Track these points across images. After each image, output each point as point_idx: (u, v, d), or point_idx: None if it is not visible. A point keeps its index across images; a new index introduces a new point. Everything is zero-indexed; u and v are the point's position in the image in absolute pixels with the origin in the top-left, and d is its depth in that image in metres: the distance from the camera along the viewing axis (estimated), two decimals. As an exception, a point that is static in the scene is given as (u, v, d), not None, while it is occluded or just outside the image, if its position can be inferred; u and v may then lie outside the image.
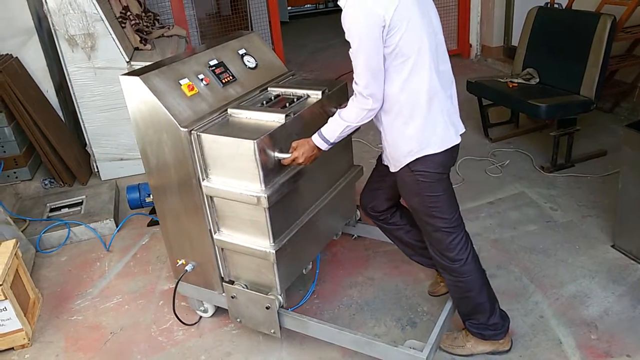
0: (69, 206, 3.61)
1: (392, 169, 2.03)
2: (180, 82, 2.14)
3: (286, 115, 2.06)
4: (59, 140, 3.89)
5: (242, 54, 2.45)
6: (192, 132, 2.02)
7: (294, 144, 2.04)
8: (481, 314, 2.14)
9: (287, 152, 2.05)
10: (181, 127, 2.01)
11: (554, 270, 2.68)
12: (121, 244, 3.27)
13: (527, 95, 3.56)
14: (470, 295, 2.11)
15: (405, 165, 1.95)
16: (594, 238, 2.88)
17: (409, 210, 2.16)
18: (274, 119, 2.07)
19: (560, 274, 2.65)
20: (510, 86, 3.76)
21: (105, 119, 3.86)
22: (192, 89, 2.15)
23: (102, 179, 4.02)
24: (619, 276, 2.59)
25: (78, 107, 3.82)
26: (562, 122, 3.54)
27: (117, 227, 3.38)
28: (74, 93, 3.77)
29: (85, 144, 4.02)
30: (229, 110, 2.17)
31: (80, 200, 3.64)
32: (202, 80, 2.22)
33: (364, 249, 2.96)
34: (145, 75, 2.06)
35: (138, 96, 2.06)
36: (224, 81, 2.29)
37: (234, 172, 2.03)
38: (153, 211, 3.43)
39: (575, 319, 2.37)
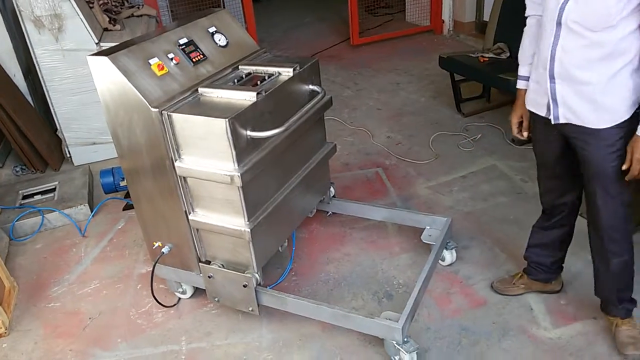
0: (42, 193, 3.56)
1: (604, 124, 1.79)
2: (150, 61, 2.11)
3: (257, 93, 2.06)
4: (29, 126, 3.81)
5: (212, 32, 2.43)
6: (163, 112, 2.00)
7: (630, 150, 1.77)
8: (631, 289, 2.11)
9: (259, 131, 2.04)
10: (152, 107, 1.99)
11: (525, 239, 2.70)
12: (97, 229, 3.25)
13: (498, 70, 3.60)
14: (632, 268, 2.07)
15: (623, 121, 1.77)
16: (564, 208, 2.95)
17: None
18: (246, 97, 2.06)
19: (531, 243, 2.72)
20: (482, 61, 3.80)
21: (75, 102, 3.79)
22: (162, 68, 2.12)
23: (75, 164, 3.97)
24: (586, 243, 2.64)
25: (47, 91, 3.75)
26: (533, 95, 3.59)
27: (91, 212, 3.35)
28: (42, 76, 3.69)
29: (56, 128, 3.95)
30: (200, 90, 2.16)
31: (53, 187, 3.59)
32: (172, 59, 2.19)
33: (339, 225, 2.99)
34: (113, 55, 2.02)
35: (107, 77, 2.03)
36: (194, 60, 2.27)
37: (206, 152, 2.02)
38: (128, 195, 3.40)
39: (545, 285, 2.45)
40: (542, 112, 1.91)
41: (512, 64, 3.69)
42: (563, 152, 1.99)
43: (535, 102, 1.94)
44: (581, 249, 2.61)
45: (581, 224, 2.82)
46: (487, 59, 3.81)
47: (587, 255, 2.56)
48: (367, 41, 6.09)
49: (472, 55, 3.92)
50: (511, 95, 4.12)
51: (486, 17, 5.50)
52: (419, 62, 5.34)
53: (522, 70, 2.04)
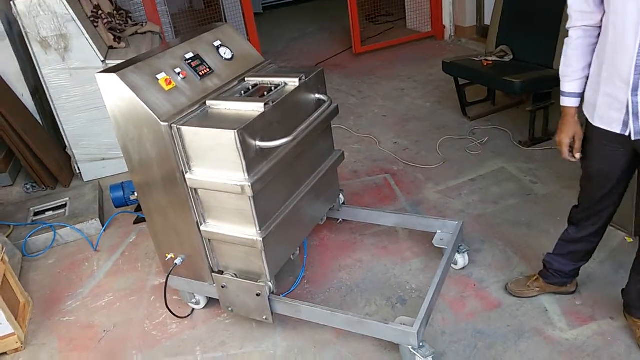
0: (53, 209, 3.58)
1: None
2: (158, 76, 2.14)
3: (265, 104, 2.08)
4: (38, 144, 3.85)
5: (217, 46, 2.45)
6: (173, 125, 2.02)
7: None
8: None
9: (268, 141, 2.06)
10: (161, 121, 2.02)
11: (537, 241, 2.74)
12: (108, 243, 3.27)
13: (502, 72, 3.61)
14: None
15: None
16: (574, 208, 2.95)
17: None
18: (253, 108, 2.08)
19: (543, 244, 2.71)
20: (485, 64, 3.81)
21: (84, 119, 3.84)
22: (170, 83, 2.15)
23: (85, 180, 4.00)
24: (599, 243, 2.65)
25: (55, 109, 3.79)
26: (537, 97, 3.59)
27: (103, 226, 3.38)
28: (50, 95, 3.74)
29: (65, 146, 3.99)
30: (208, 102, 2.18)
31: (64, 203, 3.62)
32: (179, 74, 2.22)
33: (350, 232, 2.99)
34: (121, 71, 2.05)
35: (116, 93, 2.06)
36: (201, 74, 2.29)
37: (216, 163, 2.04)
38: (138, 209, 3.43)
39: (559, 286, 2.44)
40: (616, 129, 1.76)
41: (516, 66, 3.73)
42: (629, 167, 1.90)
43: (606, 118, 1.78)
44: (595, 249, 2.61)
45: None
46: (490, 62, 3.82)
47: (601, 256, 2.57)
48: (369, 49, 6.12)
49: (476, 59, 3.93)
50: (516, 98, 4.18)
51: (487, 21, 5.53)
52: (422, 68, 5.36)
53: (569, 87, 1.89)
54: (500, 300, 2.41)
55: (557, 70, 3.38)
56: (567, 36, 1.86)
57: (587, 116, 1.87)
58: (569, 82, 1.89)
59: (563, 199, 3.04)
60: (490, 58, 3.87)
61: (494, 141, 3.77)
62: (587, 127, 1.89)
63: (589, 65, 1.83)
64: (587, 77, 1.85)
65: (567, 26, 1.86)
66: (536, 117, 3.59)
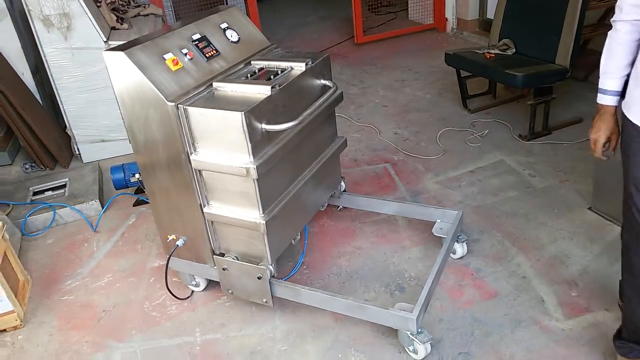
0: (53, 189, 3.58)
1: None
2: (165, 56, 2.13)
3: (272, 87, 2.08)
4: (38, 124, 3.83)
5: (224, 28, 2.45)
6: (179, 106, 2.02)
7: None
8: None
9: (273, 124, 2.07)
10: (168, 101, 2.02)
11: (534, 233, 2.77)
12: (108, 224, 3.27)
13: (504, 66, 3.62)
14: None
15: None
16: (572, 201, 2.98)
17: None
18: (260, 91, 2.09)
19: (540, 236, 2.74)
20: (488, 57, 3.82)
21: (84, 100, 3.82)
22: (177, 63, 2.15)
23: (84, 162, 3.99)
24: (596, 236, 2.69)
25: (56, 89, 3.77)
26: (539, 91, 3.61)
27: (102, 208, 3.38)
28: (51, 75, 3.72)
29: (65, 126, 3.98)
30: (215, 84, 2.18)
31: (64, 183, 3.62)
32: (186, 54, 2.21)
33: (350, 219, 3.01)
34: (129, 50, 2.05)
35: (123, 72, 2.05)
36: (207, 55, 2.29)
37: (222, 145, 2.05)
38: (138, 191, 3.43)
39: (556, 278, 2.47)
40: None
41: (518, 60, 3.74)
42: None
43: None
44: (591, 242, 2.65)
45: (590, 216, 2.85)
46: (493, 55, 3.83)
47: (597, 249, 2.60)
48: (371, 39, 6.12)
49: (478, 51, 3.94)
50: (518, 91, 4.19)
51: (489, 15, 5.54)
52: (423, 60, 5.37)
53: (610, 84, 1.75)
54: (497, 289, 2.44)
55: (559, 65, 3.49)
56: (610, 29, 1.73)
57: (633, 119, 1.69)
58: (612, 79, 1.75)
59: (560, 192, 3.07)
60: (492, 51, 3.88)
61: (494, 134, 3.79)
62: (625, 129, 1.74)
63: (632, 63, 1.69)
64: (628, 75, 1.71)
65: (613, 19, 1.72)
66: (537, 111, 3.61)
